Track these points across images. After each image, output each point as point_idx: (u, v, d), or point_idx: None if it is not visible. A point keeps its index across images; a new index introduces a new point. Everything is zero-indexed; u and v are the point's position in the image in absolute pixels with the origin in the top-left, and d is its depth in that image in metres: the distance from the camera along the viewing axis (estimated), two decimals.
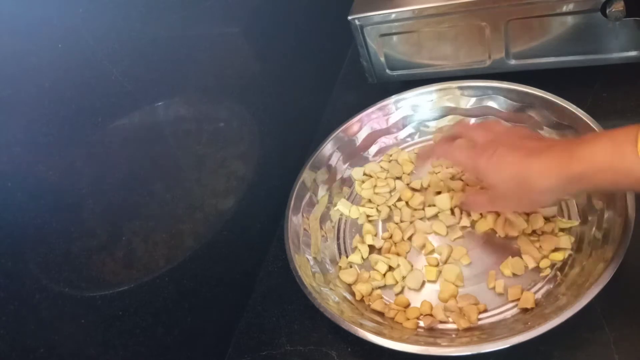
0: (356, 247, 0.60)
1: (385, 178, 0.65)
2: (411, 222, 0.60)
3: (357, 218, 0.63)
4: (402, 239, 0.58)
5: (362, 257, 0.59)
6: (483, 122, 0.54)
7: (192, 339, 0.52)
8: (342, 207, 0.64)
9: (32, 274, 0.35)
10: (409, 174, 0.65)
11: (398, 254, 0.57)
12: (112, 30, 0.41)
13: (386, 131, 0.69)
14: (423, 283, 0.55)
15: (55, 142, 0.37)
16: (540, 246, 0.52)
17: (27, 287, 0.35)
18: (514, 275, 0.52)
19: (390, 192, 0.64)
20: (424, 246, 0.57)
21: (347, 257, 0.59)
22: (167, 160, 0.49)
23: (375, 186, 0.65)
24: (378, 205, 0.63)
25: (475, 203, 0.55)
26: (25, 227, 0.35)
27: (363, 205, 0.63)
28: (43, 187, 0.36)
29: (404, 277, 0.55)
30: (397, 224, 0.60)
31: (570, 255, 0.51)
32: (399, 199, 0.62)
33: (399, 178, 0.65)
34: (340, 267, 0.59)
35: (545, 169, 0.43)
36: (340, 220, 0.64)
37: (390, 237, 0.59)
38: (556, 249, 0.52)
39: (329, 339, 0.53)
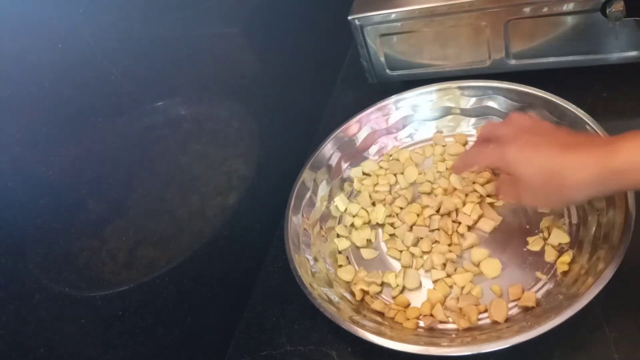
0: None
1: (385, 175, 0.65)
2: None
3: (354, 216, 0.63)
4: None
5: (339, 209, 0.63)
6: (510, 117, 0.51)
7: (192, 339, 0.52)
8: (340, 202, 0.64)
9: (32, 274, 0.36)
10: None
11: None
12: (112, 30, 0.41)
13: (386, 131, 0.69)
14: (420, 283, 0.55)
15: (55, 142, 0.37)
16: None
17: (27, 287, 0.35)
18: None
19: (390, 189, 0.64)
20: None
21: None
22: (167, 160, 0.49)
23: (376, 184, 0.65)
24: (375, 202, 0.63)
25: (505, 192, 0.52)
26: (25, 227, 0.35)
27: (359, 201, 0.63)
28: (43, 187, 0.36)
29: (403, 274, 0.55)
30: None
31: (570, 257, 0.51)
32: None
33: (400, 174, 0.65)
34: (340, 265, 0.59)
35: (580, 163, 0.41)
36: (340, 218, 0.64)
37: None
38: (560, 253, 0.52)
39: (329, 339, 0.53)
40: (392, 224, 0.60)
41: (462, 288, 0.53)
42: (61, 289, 0.38)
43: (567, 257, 0.50)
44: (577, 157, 0.41)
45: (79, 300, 0.39)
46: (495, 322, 0.49)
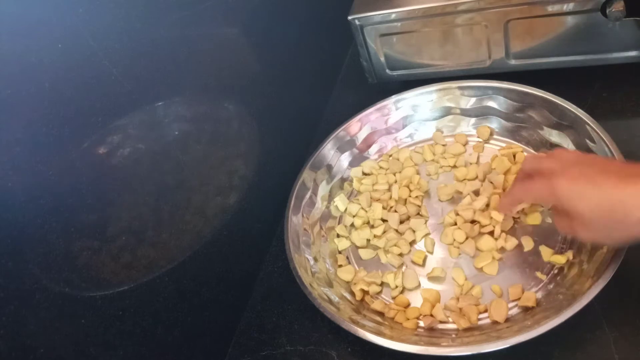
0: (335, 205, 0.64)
1: (385, 174, 0.65)
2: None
3: (354, 216, 0.63)
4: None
5: (339, 209, 0.63)
6: (554, 151, 0.47)
7: (192, 339, 0.52)
8: (340, 202, 0.64)
9: (32, 274, 0.35)
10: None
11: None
12: (112, 30, 0.41)
13: (386, 131, 0.69)
14: (419, 283, 0.55)
15: (55, 142, 0.37)
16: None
17: (27, 287, 0.35)
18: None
19: (389, 187, 0.64)
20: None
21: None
22: (167, 160, 0.49)
23: (375, 183, 0.65)
24: (373, 201, 0.63)
25: (560, 225, 0.46)
26: (25, 227, 0.35)
27: (359, 201, 0.63)
28: (43, 187, 0.36)
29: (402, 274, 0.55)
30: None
31: (568, 259, 0.51)
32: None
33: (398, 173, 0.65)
34: (340, 265, 0.59)
35: None
36: (340, 218, 0.64)
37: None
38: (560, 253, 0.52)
39: (329, 339, 0.53)
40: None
41: (462, 286, 0.53)
42: (61, 289, 0.38)
43: (562, 258, 0.51)
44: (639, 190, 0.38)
45: (79, 300, 0.39)
46: (495, 322, 0.49)
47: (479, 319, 0.50)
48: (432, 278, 0.55)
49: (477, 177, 0.61)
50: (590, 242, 0.45)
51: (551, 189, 0.42)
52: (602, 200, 0.39)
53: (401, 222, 0.60)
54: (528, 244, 0.53)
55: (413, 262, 0.56)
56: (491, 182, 0.60)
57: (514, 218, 0.56)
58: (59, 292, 0.37)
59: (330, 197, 0.65)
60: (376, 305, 0.53)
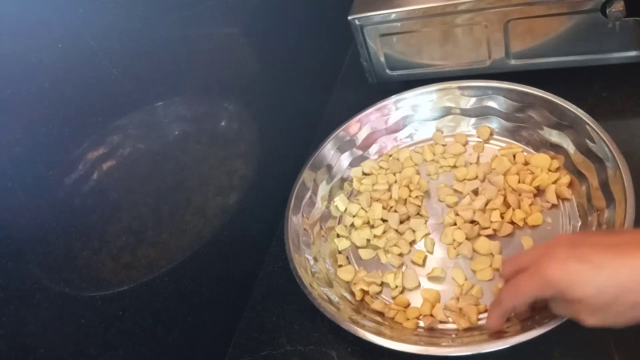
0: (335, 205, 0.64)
1: (385, 174, 0.65)
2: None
3: (354, 216, 0.63)
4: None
5: (339, 209, 0.64)
6: (528, 248, 0.43)
7: (192, 339, 0.52)
8: (340, 202, 0.64)
9: (32, 274, 0.35)
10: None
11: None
12: (112, 30, 0.41)
13: (386, 131, 0.69)
14: (419, 283, 0.55)
15: (55, 142, 0.37)
16: None
17: (27, 287, 0.35)
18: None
19: (389, 187, 0.64)
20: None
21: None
22: (167, 160, 0.49)
23: (375, 183, 0.65)
24: (373, 201, 0.63)
25: (559, 311, 0.40)
26: (25, 227, 0.35)
27: (359, 201, 0.63)
28: (43, 187, 0.36)
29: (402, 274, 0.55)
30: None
31: None
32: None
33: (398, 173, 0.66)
34: (340, 265, 0.59)
35: None
36: (340, 218, 0.64)
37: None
38: None
39: (329, 339, 0.53)
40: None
41: (462, 286, 0.53)
42: (61, 289, 0.38)
43: None
44: None
45: (79, 300, 0.39)
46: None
47: (479, 319, 0.50)
48: (432, 278, 0.55)
49: (477, 177, 0.61)
50: (603, 326, 0.37)
51: (542, 279, 0.37)
52: (607, 281, 0.34)
53: (401, 222, 0.60)
54: (528, 244, 0.53)
55: (413, 262, 0.56)
56: (490, 182, 0.60)
57: (513, 223, 0.56)
58: (59, 292, 0.37)
59: (330, 197, 0.65)
60: (376, 305, 0.53)
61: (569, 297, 0.36)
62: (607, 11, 0.56)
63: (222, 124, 0.57)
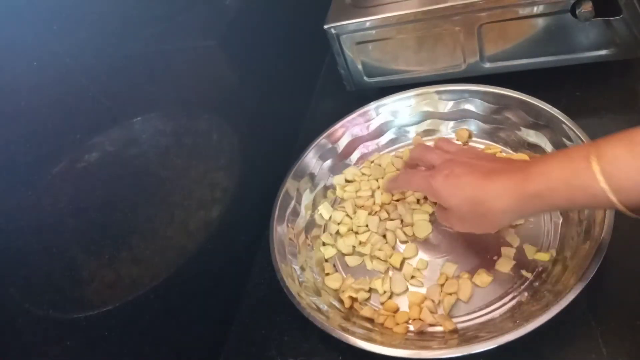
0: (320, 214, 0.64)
1: (368, 180, 0.66)
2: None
3: (339, 224, 0.63)
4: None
5: (324, 217, 0.64)
6: (437, 141, 0.54)
7: (181, 356, 0.51)
8: (324, 210, 0.64)
9: (13, 297, 0.35)
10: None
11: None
12: (87, 46, 0.41)
13: (367, 137, 0.69)
14: (407, 288, 0.55)
15: (33, 161, 0.36)
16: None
17: (9, 311, 0.34)
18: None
19: (372, 194, 0.64)
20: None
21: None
22: (148, 176, 0.48)
23: (358, 190, 0.65)
24: (357, 208, 0.63)
25: (441, 217, 0.52)
26: (4, 250, 0.34)
27: (344, 209, 0.63)
28: (22, 209, 0.35)
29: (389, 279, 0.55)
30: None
31: (552, 256, 0.51)
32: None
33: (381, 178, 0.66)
34: (327, 273, 0.58)
35: (500, 190, 0.42)
36: (325, 226, 0.64)
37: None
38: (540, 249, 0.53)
39: (320, 349, 0.53)
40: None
41: (442, 286, 0.53)
42: (44, 311, 0.37)
43: (546, 255, 0.52)
44: (497, 185, 0.43)
45: (63, 322, 0.38)
46: (483, 323, 0.49)
47: (468, 320, 0.50)
48: (413, 281, 0.55)
49: None
50: (465, 231, 0.49)
51: (428, 185, 0.48)
52: (467, 196, 0.45)
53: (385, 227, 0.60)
54: (514, 241, 0.54)
55: (392, 266, 0.57)
56: None
57: None
58: (43, 315, 0.37)
59: (314, 205, 0.65)
60: (365, 311, 0.53)
61: (442, 204, 0.48)
62: (577, 12, 0.58)
63: (202, 137, 0.57)
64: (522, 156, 0.60)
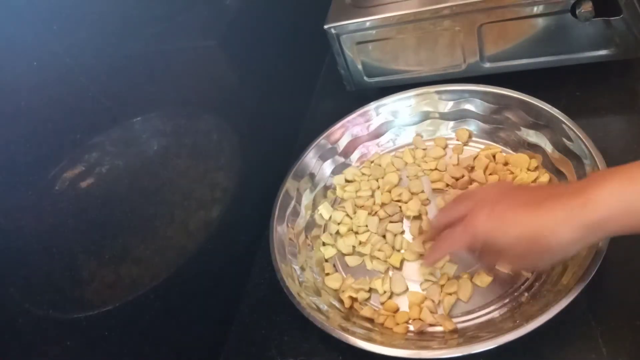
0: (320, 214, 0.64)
1: (368, 180, 0.66)
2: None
3: (339, 224, 0.63)
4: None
5: (324, 217, 0.63)
6: (458, 196, 0.50)
7: (181, 357, 0.51)
8: (324, 210, 0.64)
9: (13, 298, 0.35)
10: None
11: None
12: (88, 46, 0.41)
13: (367, 137, 0.69)
14: (407, 287, 0.55)
15: (33, 161, 0.36)
16: None
17: (9, 311, 0.34)
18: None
19: (372, 194, 0.64)
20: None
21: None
22: (148, 176, 0.48)
23: (358, 190, 0.65)
24: (357, 208, 0.63)
25: (487, 261, 0.49)
26: (5, 250, 0.34)
27: (344, 209, 0.63)
28: (22, 209, 0.35)
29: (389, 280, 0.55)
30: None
31: None
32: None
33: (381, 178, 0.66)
34: (327, 273, 0.58)
35: (558, 222, 0.38)
36: (325, 226, 0.64)
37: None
38: None
39: (320, 349, 0.53)
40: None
41: (443, 286, 0.53)
42: (45, 311, 0.37)
43: None
44: (551, 217, 0.39)
45: (64, 322, 0.38)
46: (483, 323, 0.49)
47: (468, 320, 0.50)
48: (413, 281, 0.55)
49: (449, 185, 0.62)
50: (529, 270, 0.48)
51: (471, 235, 0.43)
52: (521, 233, 0.40)
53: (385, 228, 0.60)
54: None
55: (392, 266, 0.57)
56: (472, 179, 0.61)
57: None
58: (43, 315, 0.37)
59: (314, 205, 0.65)
60: (365, 311, 0.53)
61: (492, 245, 0.42)
62: (577, 12, 0.58)
63: (202, 137, 0.57)
64: (522, 156, 0.60)
